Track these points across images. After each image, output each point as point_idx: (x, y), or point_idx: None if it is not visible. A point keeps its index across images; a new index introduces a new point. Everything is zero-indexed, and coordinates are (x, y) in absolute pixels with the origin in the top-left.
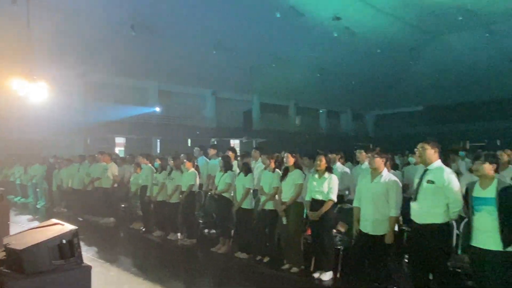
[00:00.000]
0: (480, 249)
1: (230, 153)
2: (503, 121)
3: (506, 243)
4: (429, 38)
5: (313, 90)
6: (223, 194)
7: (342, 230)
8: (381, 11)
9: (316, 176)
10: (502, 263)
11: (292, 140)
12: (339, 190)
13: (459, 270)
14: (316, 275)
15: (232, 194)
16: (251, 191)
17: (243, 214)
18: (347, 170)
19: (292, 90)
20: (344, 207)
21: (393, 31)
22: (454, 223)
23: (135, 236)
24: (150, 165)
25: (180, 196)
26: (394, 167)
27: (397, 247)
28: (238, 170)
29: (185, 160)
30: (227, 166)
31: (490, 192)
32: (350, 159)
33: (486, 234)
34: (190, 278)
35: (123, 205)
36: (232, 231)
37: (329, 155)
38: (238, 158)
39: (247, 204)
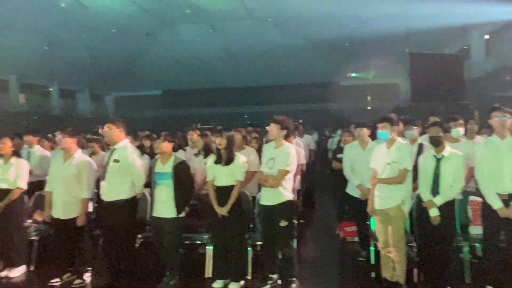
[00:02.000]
0: (160, 218)
1: None
2: (227, 107)
3: (178, 210)
4: (162, 25)
5: (41, 64)
6: None
7: (39, 219)
8: None
9: (1, 162)
10: (176, 227)
11: (15, 122)
12: (37, 176)
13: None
14: (3, 273)
15: None
16: None
17: None
18: (48, 153)
19: (13, 63)
20: (42, 194)
21: (128, 12)
22: (148, 197)
23: None
24: None
25: None
26: None
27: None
28: None
29: None
30: None
31: (168, 167)
32: None
33: (164, 204)
34: None
35: None
36: None
37: (25, 137)
38: None
39: None
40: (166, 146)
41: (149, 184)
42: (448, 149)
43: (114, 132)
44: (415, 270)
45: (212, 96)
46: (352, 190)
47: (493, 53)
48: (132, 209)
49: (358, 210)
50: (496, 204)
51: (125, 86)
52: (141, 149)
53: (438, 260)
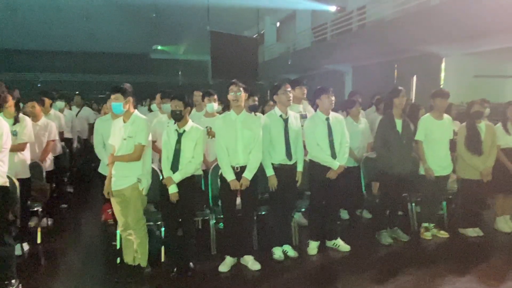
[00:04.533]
0: None
1: None
2: (9, 72)
3: None
4: None
5: None
6: None
7: None
8: None
9: None
10: None
11: None
12: None
13: None
14: None
15: None
16: None
17: None
18: None
19: None
20: None
21: None
22: None
23: None
24: None
25: None
26: None
27: None
28: None
29: None
30: None
31: None
32: None
33: None
34: None
35: None
36: None
37: None
38: None
39: None
40: None
41: None
42: (190, 124)
43: None
44: (162, 249)
45: None
46: (104, 169)
47: (282, 39)
48: None
49: None
50: (229, 176)
51: None
52: None
53: (183, 236)
